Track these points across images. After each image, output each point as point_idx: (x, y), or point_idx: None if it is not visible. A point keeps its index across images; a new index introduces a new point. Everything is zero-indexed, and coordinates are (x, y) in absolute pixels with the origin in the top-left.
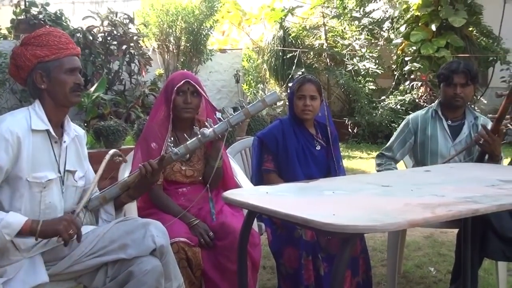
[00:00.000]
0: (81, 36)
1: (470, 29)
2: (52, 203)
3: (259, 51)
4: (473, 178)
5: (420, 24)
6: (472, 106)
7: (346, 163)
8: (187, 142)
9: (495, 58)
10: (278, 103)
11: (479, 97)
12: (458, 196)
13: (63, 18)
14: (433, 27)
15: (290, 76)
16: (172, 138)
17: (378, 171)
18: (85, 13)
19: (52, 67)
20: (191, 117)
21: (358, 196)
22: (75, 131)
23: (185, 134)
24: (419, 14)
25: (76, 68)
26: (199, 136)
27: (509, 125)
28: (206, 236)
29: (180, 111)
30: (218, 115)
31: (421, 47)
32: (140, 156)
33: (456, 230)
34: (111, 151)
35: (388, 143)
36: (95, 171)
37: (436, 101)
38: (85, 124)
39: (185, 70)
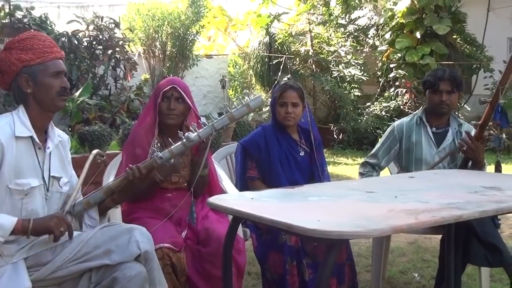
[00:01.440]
0: (66, 40)
1: (454, 36)
2: (35, 210)
3: (245, 57)
4: (457, 185)
5: (405, 31)
6: (456, 113)
7: (331, 169)
8: (172, 147)
9: (478, 65)
10: (264, 109)
11: (463, 104)
12: (442, 202)
13: (48, 22)
14: (418, 35)
15: (275, 82)
16: (158, 144)
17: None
18: (71, 17)
19: (37, 71)
20: (175, 123)
21: (343, 202)
22: (59, 137)
23: (169, 139)
24: (404, 21)
25: (61, 72)
26: (184, 140)
27: (492, 131)
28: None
29: (164, 117)
30: (203, 119)
31: (406, 54)
32: (125, 161)
33: (439, 236)
34: (94, 151)
35: (373, 150)
36: (79, 176)
37: (421, 108)
38: (70, 129)
39: (171, 75)
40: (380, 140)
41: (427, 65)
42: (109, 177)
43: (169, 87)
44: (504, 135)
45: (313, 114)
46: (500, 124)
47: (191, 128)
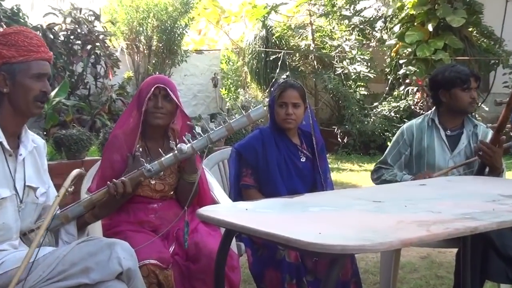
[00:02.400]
0: (40, 34)
1: (470, 29)
2: (6, 224)
3: (240, 53)
4: (472, 193)
5: (415, 23)
6: (473, 113)
7: (335, 176)
8: (162, 158)
9: (497, 61)
10: None
11: (480, 103)
12: (456, 213)
13: (21, 14)
14: (430, 27)
15: (273, 80)
16: (141, 149)
17: (380, 182)
18: (46, 9)
19: (18, 70)
20: (162, 124)
21: (347, 213)
22: (33, 142)
23: (160, 149)
24: (414, 13)
25: (44, 74)
26: (176, 152)
27: None
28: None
29: (150, 116)
30: (198, 129)
31: (417, 49)
32: (102, 168)
33: (455, 250)
34: (74, 172)
35: (383, 157)
36: (56, 186)
37: (433, 109)
38: (45, 133)
39: (157, 73)
40: (389, 146)
41: (440, 61)
42: (87, 186)
43: (156, 85)
44: None
45: (315, 115)
46: None
47: (184, 138)
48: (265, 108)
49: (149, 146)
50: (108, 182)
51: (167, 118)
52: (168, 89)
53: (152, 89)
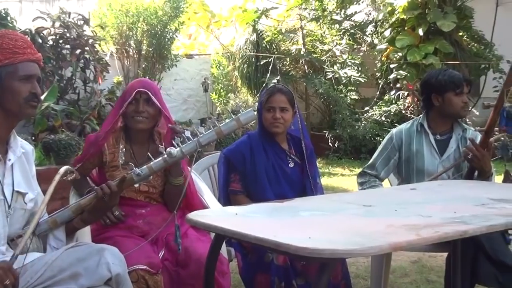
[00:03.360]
0: (29, 38)
1: (460, 34)
2: None
3: (230, 57)
4: (462, 197)
5: (406, 28)
6: (463, 118)
7: (326, 180)
8: (151, 163)
9: (487, 65)
10: None
11: (470, 108)
12: (446, 217)
13: (9, 18)
14: (420, 32)
15: (264, 85)
16: (124, 149)
17: (361, 190)
18: (34, 13)
19: (4, 73)
20: (145, 128)
21: (337, 217)
22: (22, 148)
23: (149, 153)
24: (405, 17)
25: (32, 76)
26: (165, 156)
27: (502, 137)
28: (112, 216)
29: (131, 121)
30: (187, 133)
31: (408, 53)
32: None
33: (445, 254)
34: (63, 169)
35: (371, 160)
36: (44, 192)
37: (422, 114)
38: (33, 138)
39: (146, 77)
40: (378, 150)
41: (430, 65)
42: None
43: (137, 89)
44: None
45: (305, 120)
46: (506, 130)
47: (174, 142)
48: (255, 112)
49: (134, 150)
50: (96, 187)
51: (149, 122)
52: (149, 93)
53: (134, 93)
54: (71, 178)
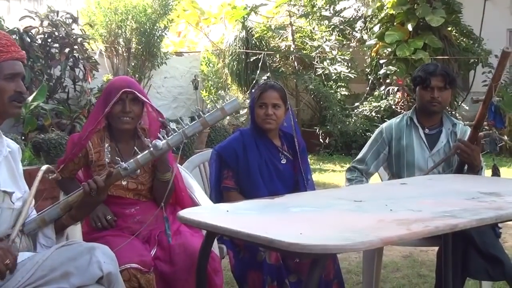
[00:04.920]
0: (17, 38)
1: (449, 29)
2: None
3: (220, 54)
4: (452, 191)
5: (395, 23)
6: (453, 112)
7: (317, 176)
8: (138, 156)
9: (476, 60)
10: (242, 111)
11: (460, 102)
12: (436, 211)
13: None
14: (410, 27)
15: (254, 82)
16: (109, 148)
17: (348, 186)
18: (22, 12)
19: None
20: (130, 128)
21: (328, 213)
22: (8, 147)
23: (135, 147)
24: (394, 12)
25: (17, 74)
26: (151, 149)
27: (492, 132)
28: (104, 220)
29: (117, 121)
30: (172, 125)
31: (397, 48)
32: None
33: (436, 248)
34: (43, 167)
35: (360, 155)
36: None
37: (412, 108)
38: (23, 138)
39: (137, 75)
40: (367, 144)
41: (420, 60)
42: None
43: (123, 89)
44: (506, 137)
45: (296, 116)
46: (494, 124)
47: (159, 135)
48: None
49: (120, 148)
50: (83, 183)
51: (135, 121)
52: (136, 92)
53: (119, 93)
54: (52, 177)
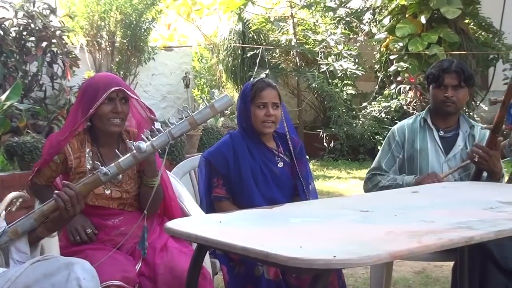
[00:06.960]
0: None
1: (467, 21)
2: None
3: (213, 49)
4: (469, 200)
5: (407, 15)
6: (471, 114)
7: (320, 184)
8: (119, 159)
9: (496, 56)
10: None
11: (478, 102)
12: (450, 222)
13: None
14: (423, 19)
15: (251, 79)
16: (91, 153)
17: (377, 190)
18: None
19: None
20: (119, 131)
21: (331, 224)
22: None
23: (116, 150)
24: (405, 3)
25: None
26: (134, 151)
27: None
28: (84, 233)
29: (106, 123)
30: (157, 125)
31: (409, 43)
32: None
33: (452, 264)
34: (9, 196)
35: (375, 163)
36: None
37: (426, 108)
38: None
39: (122, 72)
40: (381, 150)
41: (434, 56)
42: None
43: (111, 88)
44: None
45: (298, 117)
46: None
47: (143, 136)
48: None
49: (102, 153)
50: (54, 195)
51: (124, 123)
52: (126, 91)
53: (108, 92)
54: (18, 204)
